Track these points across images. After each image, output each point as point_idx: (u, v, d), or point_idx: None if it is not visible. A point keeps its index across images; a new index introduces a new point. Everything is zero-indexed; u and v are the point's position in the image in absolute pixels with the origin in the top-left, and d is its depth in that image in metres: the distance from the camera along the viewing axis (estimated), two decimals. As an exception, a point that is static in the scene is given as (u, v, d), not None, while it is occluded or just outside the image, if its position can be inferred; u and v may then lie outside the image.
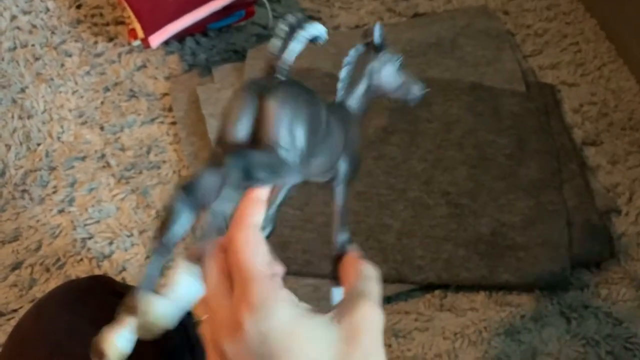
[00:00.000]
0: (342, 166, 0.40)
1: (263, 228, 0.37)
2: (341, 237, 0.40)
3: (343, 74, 0.42)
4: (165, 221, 0.30)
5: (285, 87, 0.33)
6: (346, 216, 0.40)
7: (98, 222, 0.91)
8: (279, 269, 0.35)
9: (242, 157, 0.30)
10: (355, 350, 0.32)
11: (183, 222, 0.30)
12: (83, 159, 0.97)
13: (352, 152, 0.40)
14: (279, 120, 0.32)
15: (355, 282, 0.36)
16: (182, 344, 0.60)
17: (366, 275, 0.36)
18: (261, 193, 0.35)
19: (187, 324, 0.61)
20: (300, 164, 0.33)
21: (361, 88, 0.43)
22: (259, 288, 0.31)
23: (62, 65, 1.06)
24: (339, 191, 0.41)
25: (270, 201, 0.37)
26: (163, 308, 0.30)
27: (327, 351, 0.32)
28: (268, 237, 0.38)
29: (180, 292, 0.30)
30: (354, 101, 0.43)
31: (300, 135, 0.32)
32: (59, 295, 0.60)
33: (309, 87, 0.35)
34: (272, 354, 0.30)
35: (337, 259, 0.39)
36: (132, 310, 0.31)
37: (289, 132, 0.32)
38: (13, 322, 0.83)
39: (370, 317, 0.33)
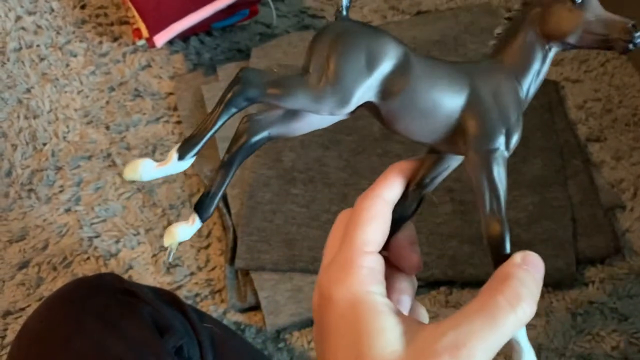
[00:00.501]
0: (471, 129, 0.31)
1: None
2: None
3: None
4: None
5: (335, 22, 0.31)
6: (494, 198, 0.32)
7: (104, 221, 0.92)
8: (376, 256, 0.31)
9: (251, 70, 0.30)
10: None
11: None
12: (89, 158, 0.97)
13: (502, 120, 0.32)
14: (310, 46, 0.30)
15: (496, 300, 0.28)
16: (190, 341, 0.60)
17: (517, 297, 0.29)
18: (403, 166, 0.34)
19: (195, 321, 0.62)
20: (335, 93, 0.29)
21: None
22: (345, 256, 0.31)
23: (67, 65, 1.07)
24: (475, 161, 0.32)
25: (417, 180, 0.34)
26: None
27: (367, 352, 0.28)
28: (408, 218, 0.34)
29: None
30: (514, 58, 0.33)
31: (339, 65, 0.29)
32: (66, 293, 0.60)
33: (383, 30, 0.31)
34: (330, 325, 0.30)
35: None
36: None
37: (320, 57, 0.29)
38: (21, 321, 0.84)
39: None
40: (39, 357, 0.55)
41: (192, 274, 0.88)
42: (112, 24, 1.11)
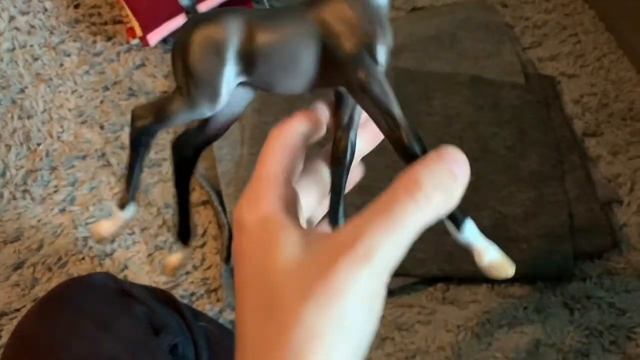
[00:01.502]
0: (334, 56, 0.30)
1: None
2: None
3: None
4: None
5: (181, 26, 0.33)
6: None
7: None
8: (286, 186, 0.31)
9: None
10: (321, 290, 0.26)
11: None
12: (83, 158, 0.97)
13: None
14: (171, 61, 0.32)
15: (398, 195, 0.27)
16: (185, 340, 0.60)
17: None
18: (307, 111, 0.34)
19: (190, 319, 0.62)
20: (203, 95, 0.31)
21: None
22: (255, 184, 0.31)
23: (61, 65, 1.06)
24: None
25: (337, 124, 0.34)
26: None
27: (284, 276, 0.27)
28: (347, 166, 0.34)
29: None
30: None
31: (191, 68, 0.31)
32: (60, 293, 0.60)
33: (217, 10, 0.32)
34: (242, 251, 0.29)
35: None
36: None
37: (176, 68, 0.31)
38: (16, 322, 0.83)
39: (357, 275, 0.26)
40: (33, 359, 0.54)
41: (187, 273, 0.88)
42: (105, 23, 1.10)
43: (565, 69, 1.07)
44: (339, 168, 0.34)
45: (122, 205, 0.33)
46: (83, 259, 0.89)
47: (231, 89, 0.31)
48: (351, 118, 0.34)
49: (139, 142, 0.32)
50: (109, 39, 1.09)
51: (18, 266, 0.88)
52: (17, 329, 0.58)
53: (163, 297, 0.63)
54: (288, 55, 0.30)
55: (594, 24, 1.13)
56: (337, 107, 0.34)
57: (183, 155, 0.34)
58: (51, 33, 1.10)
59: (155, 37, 0.97)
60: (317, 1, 0.31)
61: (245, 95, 0.33)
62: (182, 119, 0.31)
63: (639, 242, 0.90)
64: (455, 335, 0.82)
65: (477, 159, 0.93)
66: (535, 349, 0.81)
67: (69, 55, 1.07)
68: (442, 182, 0.27)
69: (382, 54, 0.30)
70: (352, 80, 0.29)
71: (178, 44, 0.31)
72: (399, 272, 0.85)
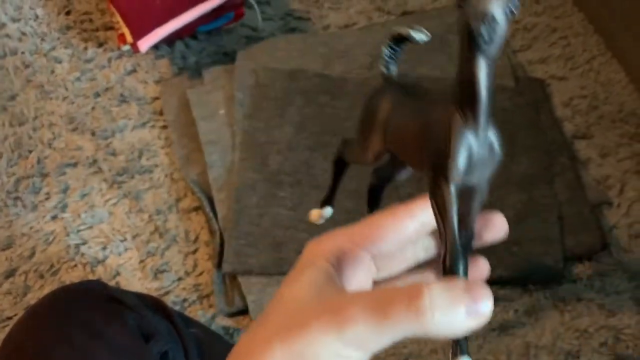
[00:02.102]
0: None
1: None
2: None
3: None
4: None
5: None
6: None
7: (91, 227, 0.92)
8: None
9: None
10: None
11: None
12: (75, 165, 0.97)
13: None
14: None
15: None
16: (175, 346, 0.60)
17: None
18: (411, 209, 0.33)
19: (180, 326, 0.62)
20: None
21: None
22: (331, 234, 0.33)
23: (53, 71, 1.06)
24: None
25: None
26: None
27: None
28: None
29: None
30: None
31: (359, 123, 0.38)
32: (50, 301, 0.60)
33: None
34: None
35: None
36: None
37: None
38: (8, 330, 0.83)
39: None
40: (23, 366, 0.54)
41: (180, 279, 0.88)
42: (97, 30, 1.11)
43: (555, 72, 1.08)
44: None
45: (322, 204, 0.41)
46: (75, 266, 0.89)
47: (376, 151, 0.36)
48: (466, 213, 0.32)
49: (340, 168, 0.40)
50: (100, 45, 1.09)
51: (10, 274, 0.88)
52: (8, 337, 0.58)
53: (153, 304, 0.63)
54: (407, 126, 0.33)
55: (584, 27, 1.13)
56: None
57: (377, 180, 0.40)
58: (42, 40, 1.10)
59: (145, 43, 0.97)
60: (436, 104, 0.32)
61: None
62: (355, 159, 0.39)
63: (629, 243, 0.90)
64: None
65: (468, 162, 0.94)
66: (526, 351, 0.82)
67: (60, 62, 1.07)
68: (449, 314, 0.26)
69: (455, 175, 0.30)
70: (429, 178, 0.31)
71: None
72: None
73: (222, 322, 0.85)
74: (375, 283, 0.34)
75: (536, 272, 0.86)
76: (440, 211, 0.30)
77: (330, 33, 1.12)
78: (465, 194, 0.31)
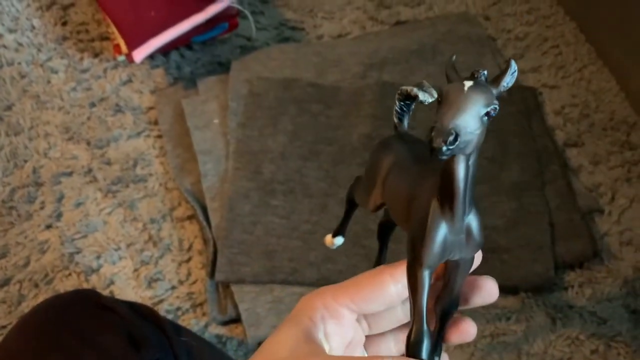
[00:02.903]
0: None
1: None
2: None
3: None
4: None
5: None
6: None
7: (86, 236, 0.92)
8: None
9: None
10: None
11: None
12: (70, 174, 0.98)
13: None
14: None
15: None
16: (166, 355, 0.60)
17: None
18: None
19: (172, 334, 0.62)
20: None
21: None
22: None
23: (49, 81, 1.07)
24: None
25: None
26: None
27: None
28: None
29: None
30: None
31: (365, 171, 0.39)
32: (43, 310, 0.60)
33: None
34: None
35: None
36: None
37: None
38: (1, 338, 0.84)
39: None
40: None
41: (173, 287, 0.88)
42: (93, 40, 1.12)
43: (547, 80, 1.09)
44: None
45: (334, 235, 0.41)
46: (70, 275, 0.89)
47: (376, 202, 0.36)
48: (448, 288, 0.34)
49: (352, 204, 0.40)
50: (96, 55, 1.10)
51: (4, 283, 0.89)
52: (1, 346, 0.59)
53: (145, 312, 0.63)
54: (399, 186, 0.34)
55: (575, 36, 1.14)
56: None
57: (387, 217, 0.40)
58: (39, 50, 1.11)
59: (140, 54, 0.98)
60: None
61: None
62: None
63: (620, 251, 0.91)
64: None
65: (459, 170, 0.95)
66: (518, 359, 0.82)
67: (56, 72, 1.08)
68: None
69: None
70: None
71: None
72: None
73: (215, 331, 0.85)
74: (368, 338, 0.36)
75: (527, 280, 0.86)
76: (412, 291, 0.31)
77: (324, 42, 1.13)
78: (451, 265, 0.32)
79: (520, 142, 0.98)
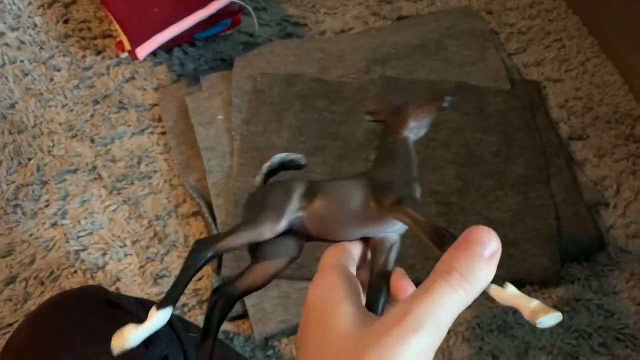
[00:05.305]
0: (382, 197, 0.40)
1: None
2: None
3: None
4: None
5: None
6: None
7: (91, 234, 0.92)
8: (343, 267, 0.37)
9: None
10: None
11: None
12: (74, 172, 0.98)
13: None
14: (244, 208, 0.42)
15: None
16: (175, 351, 0.60)
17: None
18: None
19: (180, 330, 0.62)
20: (267, 216, 0.38)
21: None
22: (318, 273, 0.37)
23: (52, 80, 1.07)
24: None
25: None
26: None
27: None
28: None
29: None
30: None
31: (266, 200, 0.40)
32: (50, 307, 0.60)
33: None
34: (305, 323, 0.35)
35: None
36: None
37: (250, 205, 0.41)
38: (8, 337, 0.84)
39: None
40: (24, 372, 0.55)
41: (179, 284, 0.88)
42: (95, 38, 1.11)
43: (551, 74, 1.09)
44: (373, 306, 0.37)
45: (160, 307, 0.36)
46: (75, 272, 0.89)
47: (291, 219, 0.38)
48: (386, 263, 0.38)
49: (195, 268, 0.37)
50: (98, 53, 1.10)
51: (10, 281, 0.88)
52: (8, 343, 0.59)
53: (153, 309, 0.63)
54: (344, 197, 0.38)
55: (578, 29, 1.14)
56: (373, 255, 0.39)
57: (221, 301, 0.39)
58: (41, 48, 1.10)
59: (143, 51, 0.98)
60: (367, 170, 0.42)
61: (289, 249, 0.39)
62: (243, 240, 0.37)
63: (626, 244, 0.91)
64: (446, 340, 0.83)
65: (464, 165, 0.94)
66: (526, 353, 0.82)
67: (59, 70, 1.08)
68: (472, 266, 0.30)
69: (419, 191, 0.40)
70: (399, 205, 0.36)
71: (252, 195, 0.41)
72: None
73: (222, 327, 0.85)
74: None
75: (534, 274, 0.86)
76: (421, 216, 0.36)
77: (327, 38, 1.13)
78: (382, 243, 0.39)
79: (525, 136, 0.98)
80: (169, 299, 0.36)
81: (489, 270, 0.31)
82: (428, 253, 0.86)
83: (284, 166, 0.44)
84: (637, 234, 0.92)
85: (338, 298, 0.33)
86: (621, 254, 0.90)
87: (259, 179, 0.43)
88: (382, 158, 0.43)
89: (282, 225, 0.38)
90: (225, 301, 0.39)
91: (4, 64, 1.09)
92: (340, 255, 0.38)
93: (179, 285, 0.37)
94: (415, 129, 0.45)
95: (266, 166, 0.43)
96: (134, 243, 0.91)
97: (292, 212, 0.38)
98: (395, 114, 0.45)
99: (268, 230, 0.37)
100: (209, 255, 0.37)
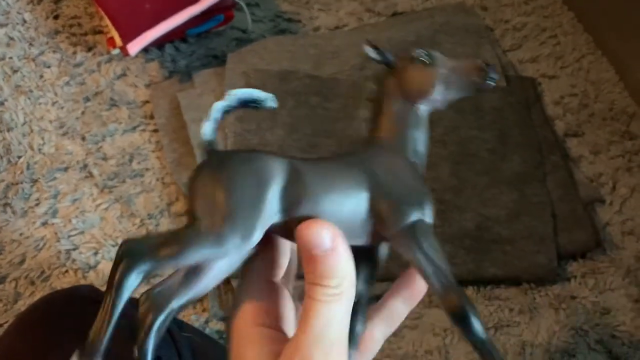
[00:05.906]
0: (385, 212, 0.31)
1: None
2: None
3: None
4: None
5: (206, 159, 0.31)
6: None
7: (82, 232, 0.91)
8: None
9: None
10: None
11: None
12: (65, 170, 0.96)
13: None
14: (190, 190, 0.30)
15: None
16: (169, 351, 0.59)
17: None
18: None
19: (174, 330, 0.61)
20: (235, 230, 0.28)
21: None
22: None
23: (41, 76, 1.05)
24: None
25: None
26: None
27: None
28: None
29: None
30: None
31: (229, 200, 0.28)
32: (40, 308, 0.59)
33: (257, 150, 0.31)
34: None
35: None
36: None
37: (205, 198, 0.28)
38: (-2, 338, 0.82)
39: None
40: (13, 374, 0.54)
41: (172, 283, 0.87)
42: (86, 34, 1.10)
43: (546, 71, 1.08)
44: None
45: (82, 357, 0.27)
46: (66, 272, 0.88)
47: (264, 230, 0.28)
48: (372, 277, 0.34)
49: (128, 286, 0.26)
50: (89, 49, 1.08)
51: (0, 281, 0.87)
52: (-2, 345, 0.57)
53: (146, 309, 0.62)
54: (336, 204, 0.29)
55: (573, 25, 1.14)
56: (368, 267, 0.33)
57: (158, 315, 0.30)
58: (30, 45, 1.09)
59: (135, 47, 0.97)
60: (364, 154, 0.32)
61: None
62: (199, 255, 0.27)
63: (622, 241, 0.91)
64: (442, 338, 0.82)
65: (459, 162, 0.94)
66: (522, 350, 0.82)
67: (49, 67, 1.06)
68: (321, 269, 0.29)
69: (430, 209, 0.31)
70: (404, 232, 0.29)
71: (212, 168, 0.29)
72: (385, 277, 0.86)
73: (215, 326, 0.84)
74: None
75: (530, 271, 0.86)
76: (431, 257, 0.30)
77: (321, 34, 1.12)
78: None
79: (520, 133, 0.97)
80: (94, 349, 0.27)
81: (337, 258, 0.28)
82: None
83: (245, 106, 0.32)
84: (633, 231, 0.91)
85: (245, 329, 0.32)
86: (617, 250, 0.90)
87: (207, 127, 0.31)
88: (385, 136, 0.32)
89: (255, 240, 0.28)
90: (166, 314, 0.30)
91: (-7, 61, 1.07)
92: (262, 316, 0.33)
93: (108, 324, 0.27)
94: (438, 96, 0.33)
95: (220, 106, 0.31)
96: (125, 242, 0.90)
97: (269, 218, 0.28)
98: (411, 63, 0.33)
99: (234, 250, 0.28)
100: (146, 271, 0.26)
